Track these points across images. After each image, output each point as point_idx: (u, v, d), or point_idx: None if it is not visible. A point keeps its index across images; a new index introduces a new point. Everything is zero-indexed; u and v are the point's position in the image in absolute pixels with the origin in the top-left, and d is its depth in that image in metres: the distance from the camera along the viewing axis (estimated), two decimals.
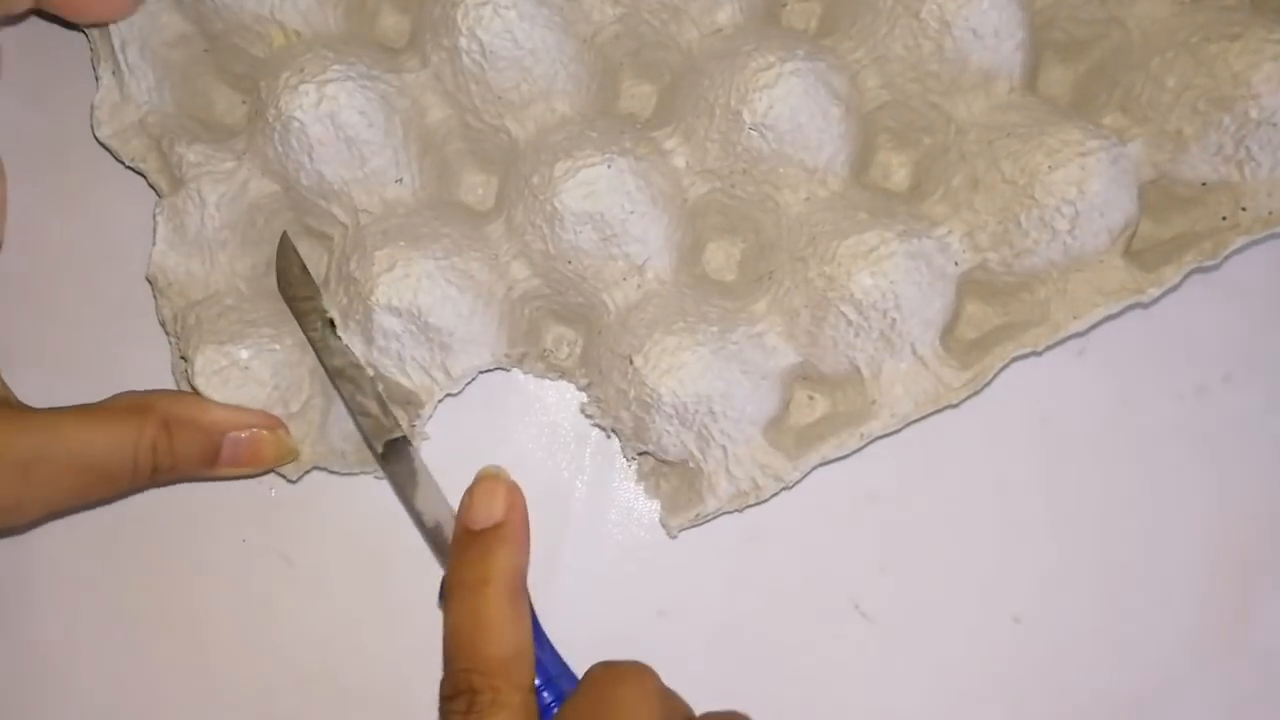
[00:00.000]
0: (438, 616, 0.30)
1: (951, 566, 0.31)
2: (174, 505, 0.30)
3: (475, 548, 0.25)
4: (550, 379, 0.31)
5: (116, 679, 0.30)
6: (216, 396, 0.28)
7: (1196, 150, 0.28)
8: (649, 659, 0.30)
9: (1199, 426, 0.31)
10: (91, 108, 0.30)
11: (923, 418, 0.29)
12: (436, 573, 0.29)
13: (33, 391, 0.28)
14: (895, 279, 0.27)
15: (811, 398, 0.31)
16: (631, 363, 0.27)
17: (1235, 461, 0.31)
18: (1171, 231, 0.30)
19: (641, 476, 0.31)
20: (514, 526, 0.26)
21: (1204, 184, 0.29)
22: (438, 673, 0.30)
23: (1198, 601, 0.30)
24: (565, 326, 0.31)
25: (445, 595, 0.26)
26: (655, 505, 0.31)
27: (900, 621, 0.31)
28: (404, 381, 0.29)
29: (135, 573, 0.30)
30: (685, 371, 0.27)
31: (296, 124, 0.28)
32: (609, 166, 0.27)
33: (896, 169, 0.32)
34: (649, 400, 0.27)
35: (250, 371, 0.28)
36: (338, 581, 0.31)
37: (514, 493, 0.26)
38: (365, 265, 0.28)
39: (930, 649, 0.30)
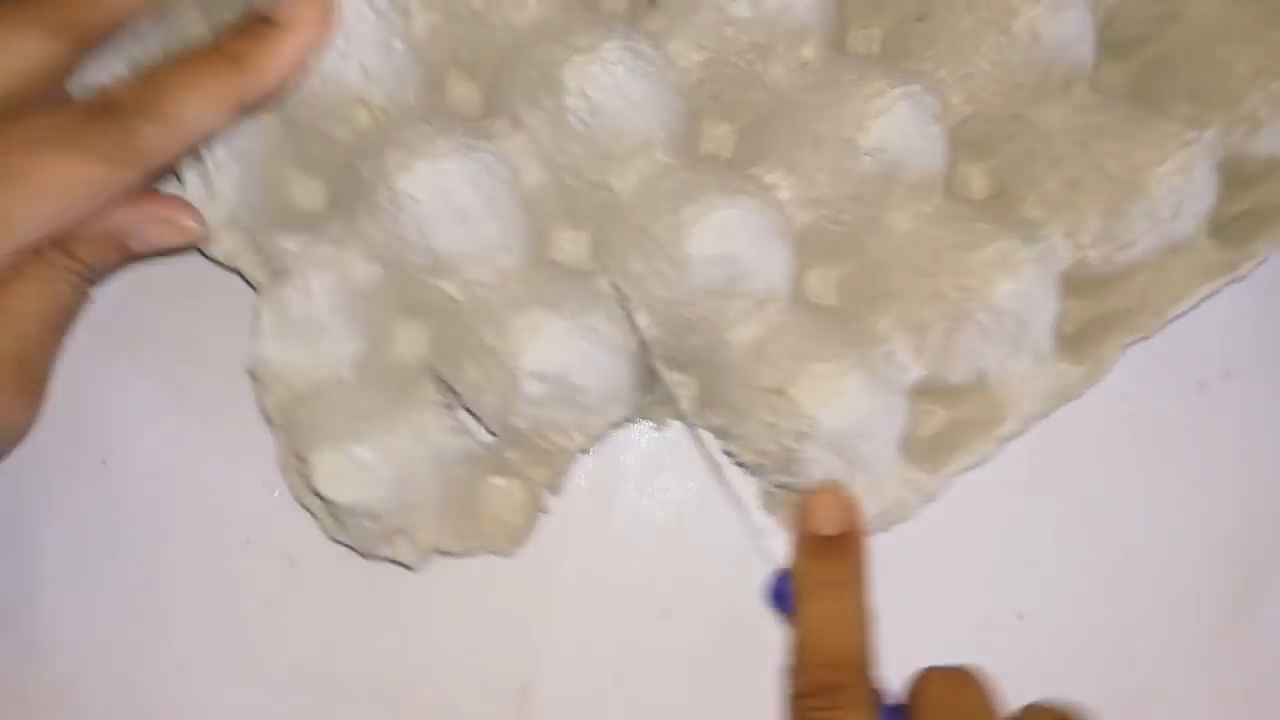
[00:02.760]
0: (441, 618, 0.30)
1: (954, 563, 0.31)
2: (177, 506, 0.30)
3: (830, 550, 0.27)
4: (663, 425, 0.31)
5: (119, 680, 0.30)
6: (339, 497, 0.27)
7: (1267, 131, 0.30)
8: (651, 660, 0.30)
9: (1201, 422, 0.32)
10: None
11: (1046, 415, 0.30)
12: (439, 575, 0.29)
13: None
14: (1030, 283, 0.28)
15: (930, 410, 0.31)
16: (783, 394, 0.27)
17: (1238, 458, 0.32)
18: (1238, 208, 0.32)
19: (773, 508, 0.31)
20: (862, 535, 0.27)
21: (1271, 159, 0.31)
22: (441, 673, 0.30)
23: (1200, 598, 0.31)
24: (677, 372, 0.31)
25: (796, 595, 0.27)
26: (656, 505, 0.31)
27: (903, 619, 0.30)
28: (540, 442, 0.29)
29: (138, 575, 0.30)
30: (847, 397, 0.27)
31: (412, 202, 0.27)
32: (735, 207, 0.28)
33: (974, 179, 0.33)
34: (806, 430, 0.27)
35: (370, 469, 0.27)
36: (341, 583, 0.30)
37: (857, 505, 0.27)
38: (505, 334, 0.27)
39: (933, 646, 0.30)
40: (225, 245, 0.29)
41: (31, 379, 0.25)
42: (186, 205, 0.26)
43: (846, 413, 0.27)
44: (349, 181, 0.29)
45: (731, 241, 0.28)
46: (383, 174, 0.27)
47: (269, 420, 0.29)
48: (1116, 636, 0.31)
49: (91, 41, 0.25)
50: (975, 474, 0.31)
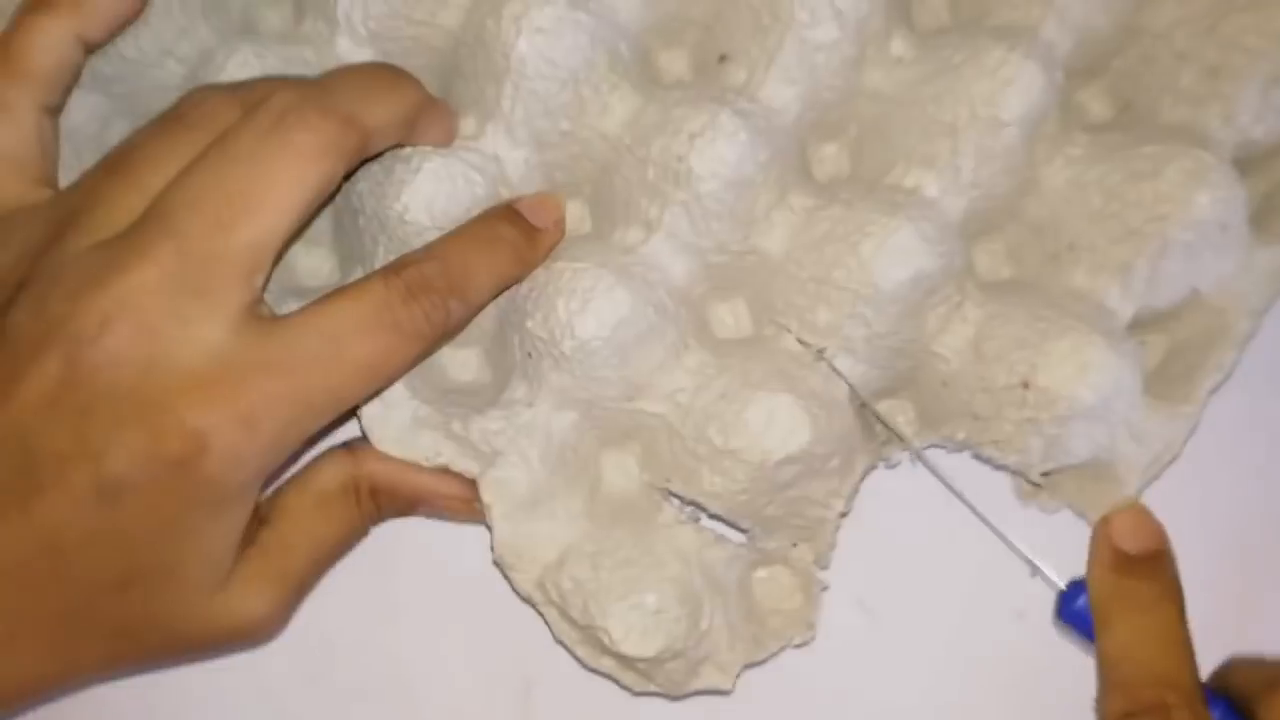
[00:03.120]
0: (442, 619, 0.30)
1: (954, 561, 0.30)
2: None
3: (1138, 567, 0.25)
4: (893, 462, 0.30)
5: (118, 680, 0.29)
6: (645, 651, 0.27)
7: None
8: None
9: (1201, 422, 0.30)
10: (361, 429, 0.29)
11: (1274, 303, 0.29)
12: (442, 577, 0.29)
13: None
14: (1229, 188, 0.27)
15: (1143, 340, 0.30)
16: (1028, 386, 0.27)
17: (1237, 458, 0.31)
18: None
19: (1027, 495, 0.30)
20: (1171, 553, 0.26)
21: None
22: (442, 674, 0.29)
23: (1199, 597, 0.29)
24: (888, 399, 0.31)
25: (1101, 611, 0.25)
26: None
27: (903, 617, 0.30)
28: (798, 522, 0.28)
29: None
30: (1096, 365, 0.26)
31: (599, 343, 0.27)
32: (909, 222, 0.27)
33: (1092, 103, 0.32)
34: (1067, 412, 0.26)
35: (664, 612, 0.27)
36: (341, 583, 0.29)
37: (1160, 524, 0.26)
38: (738, 432, 0.27)
39: (933, 645, 0.30)
40: (424, 447, 0.29)
41: (302, 596, 0.27)
42: (474, 487, 0.28)
43: (1102, 380, 0.26)
44: (510, 342, 0.29)
45: (917, 258, 0.27)
46: (560, 326, 0.27)
47: (530, 602, 0.28)
48: None
49: (365, 155, 0.26)
50: (975, 474, 0.30)
